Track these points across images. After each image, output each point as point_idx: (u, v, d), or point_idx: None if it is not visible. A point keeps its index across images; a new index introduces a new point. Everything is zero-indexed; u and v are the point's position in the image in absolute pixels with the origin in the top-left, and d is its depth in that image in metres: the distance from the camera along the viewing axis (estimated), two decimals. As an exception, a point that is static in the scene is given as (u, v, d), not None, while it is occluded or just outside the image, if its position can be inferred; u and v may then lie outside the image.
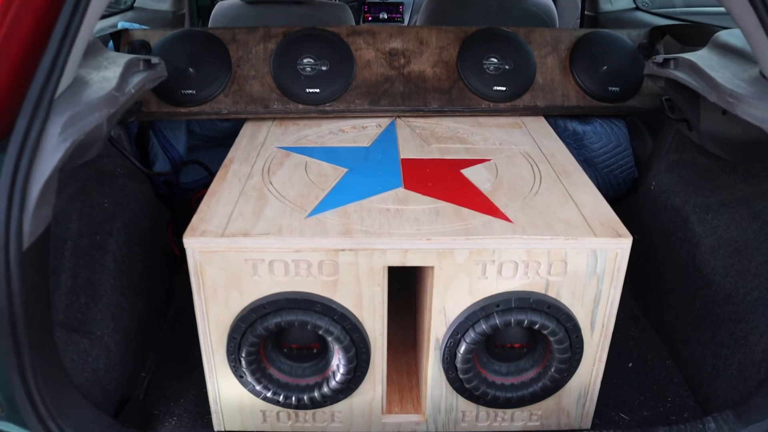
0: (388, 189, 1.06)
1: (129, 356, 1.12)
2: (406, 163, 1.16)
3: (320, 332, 0.97)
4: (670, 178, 1.35)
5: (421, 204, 1.02)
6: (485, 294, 0.97)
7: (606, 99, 1.43)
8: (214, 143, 1.56)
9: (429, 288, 0.97)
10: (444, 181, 1.10)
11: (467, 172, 1.13)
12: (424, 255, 0.93)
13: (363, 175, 1.11)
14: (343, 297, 0.95)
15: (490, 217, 0.98)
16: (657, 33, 1.51)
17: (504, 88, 1.39)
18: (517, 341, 1.04)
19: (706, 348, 1.16)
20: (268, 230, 0.93)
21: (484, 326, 0.97)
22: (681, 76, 1.15)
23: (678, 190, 1.31)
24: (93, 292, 1.08)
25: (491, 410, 1.07)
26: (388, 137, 1.28)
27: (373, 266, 0.93)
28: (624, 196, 1.56)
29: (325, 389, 1.01)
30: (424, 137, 1.29)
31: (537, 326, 0.97)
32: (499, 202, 1.03)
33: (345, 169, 1.13)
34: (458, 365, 1.00)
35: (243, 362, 0.98)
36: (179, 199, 1.56)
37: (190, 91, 1.32)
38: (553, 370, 1.02)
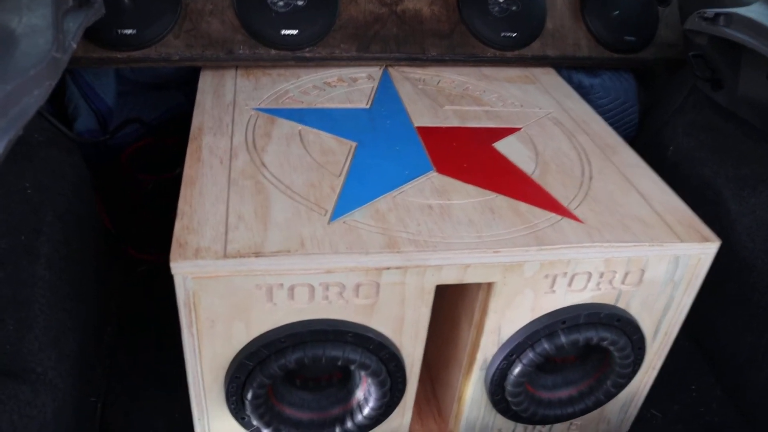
0: (418, 174, 0.84)
1: (80, 389, 0.86)
2: (425, 133, 0.94)
3: (353, 367, 0.76)
4: (691, 143, 1.22)
5: (466, 196, 0.81)
6: (549, 309, 0.79)
7: (619, 49, 1.25)
8: (149, 88, 1.24)
9: (481, 305, 0.79)
10: (479, 160, 0.89)
11: (501, 147, 0.93)
12: (488, 270, 0.74)
13: (378, 151, 0.88)
14: (381, 322, 0.75)
15: (554, 215, 0.79)
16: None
17: (513, 34, 1.17)
18: (571, 354, 0.88)
19: (739, 336, 1.06)
20: (287, 245, 0.69)
21: (546, 346, 0.80)
22: (735, 34, 0.99)
23: (704, 159, 1.18)
24: (24, 313, 0.80)
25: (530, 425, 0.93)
26: (389, 95, 1.04)
27: (423, 286, 0.73)
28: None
29: (349, 425, 0.82)
30: (431, 95, 1.06)
31: (606, 343, 0.82)
32: (556, 192, 0.84)
33: (353, 143, 0.89)
34: (508, 387, 0.83)
35: (248, 405, 0.76)
36: (105, 159, 1.25)
37: (130, 31, 0.99)
38: (609, 383, 0.88)
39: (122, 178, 1.28)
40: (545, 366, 0.87)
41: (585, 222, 0.78)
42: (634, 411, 0.96)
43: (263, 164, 0.82)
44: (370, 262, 0.69)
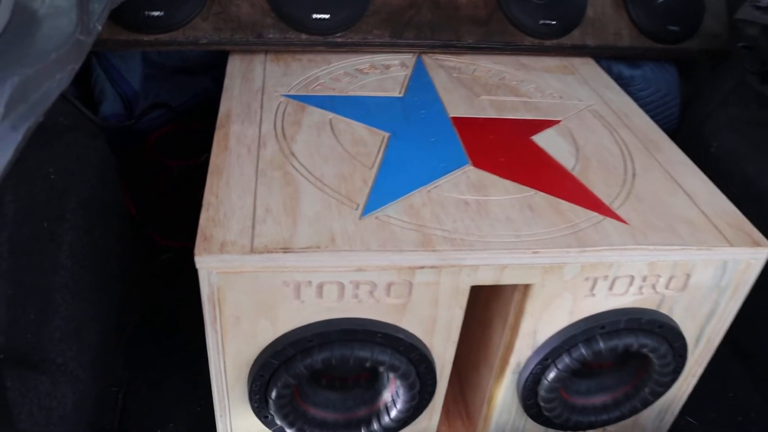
0: (453, 168, 0.80)
1: (102, 380, 0.85)
2: (460, 124, 0.90)
3: (382, 368, 0.73)
4: (735, 139, 1.16)
5: (504, 192, 0.77)
6: (588, 313, 0.76)
7: (663, 39, 1.19)
8: (176, 72, 1.22)
9: (516, 307, 0.75)
10: (517, 154, 0.85)
11: (540, 140, 0.89)
12: (526, 271, 0.70)
13: (412, 143, 0.84)
14: (412, 323, 0.72)
15: (597, 214, 0.75)
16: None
17: (552, 22, 1.13)
18: (608, 360, 0.85)
19: (782, 343, 1.02)
20: (317, 240, 0.66)
21: (583, 351, 0.76)
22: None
23: (749, 155, 1.12)
24: (46, 302, 0.78)
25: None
26: (423, 83, 1.00)
27: (458, 286, 0.69)
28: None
29: (375, 427, 0.79)
30: (467, 84, 1.02)
31: (646, 350, 0.78)
32: (597, 189, 0.80)
33: (386, 133, 0.86)
34: (541, 393, 0.80)
35: (272, 405, 0.74)
36: (130, 144, 1.23)
37: (157, 13, 0.96)
38: (647, 391, 0.84)
39: (148, 163, 1.26)
40: (580, 371, 0.83)
41: (629, 223, 0.74)
42: (670, 419, 0.93)
43: (292, 154, 0.79)
44: (403, 260, 0.66)
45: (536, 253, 0.69)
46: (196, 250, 0.63)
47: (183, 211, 1.24)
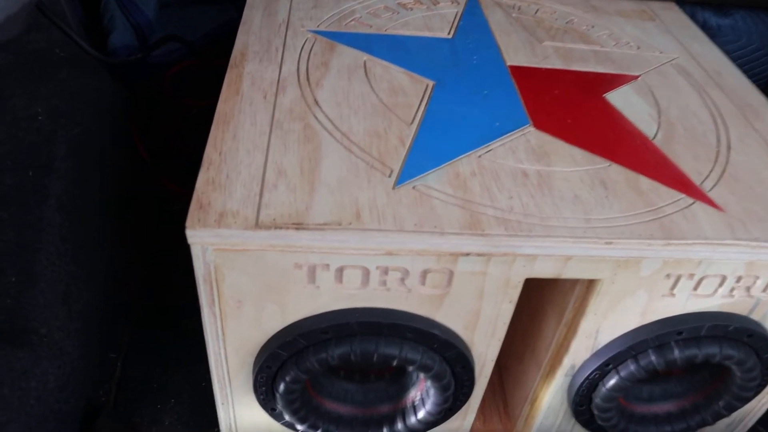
0: (511, 128, 0.66)
1: (94, 350, 0.75)
2: (520, 75, 0.75)
3: (411, 368, 0.62)
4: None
5: (571, 162, 0.63)
6: (664, 315, 0.62)
7: (762, -19, 1.01)
8: (196, 1, 1.08)
9: (577, 303, 0.62)
10: (587, 115, 0.70)
11: (614, 99, 0.74)
12: (595, 265, 0.57)
13: (461, 95, 0.70)
14: (450, 316, 0.59)
15: (685, 197, 0.61)
16: None
17: (633, -45, 0.95)
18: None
19: None
20: (338, 215, 0.53)
21: (653, 359, 0.63)
22: None
23: None
24: (29, 263, 0.68)
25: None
26: (476, 23, 0.85)
27: (509, 278, 0.57)
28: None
29: (400, 426, 0.68)
30: (528, 27, 0.86)
31: (730, 361, 0.65)
32: (685, 164, 0.65)
33: (430, 82, 0.72)
34: (596, 400, 0.68)
35: (280, 399, 0.63)
36: (145, 79, 1.11)
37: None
38: (722, 404, 0.71)
39: (164, 102, 1.14)
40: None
41: (724, 209, 0.60)
42: (742, 431, 0.80)
43: (316, 103, 0.66)
44: (444, 245, 0.53)
45: (610, 244, 0.55)
46: (188, 221, 0.51)
47: (200, 155, 1.13)
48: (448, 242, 0.53)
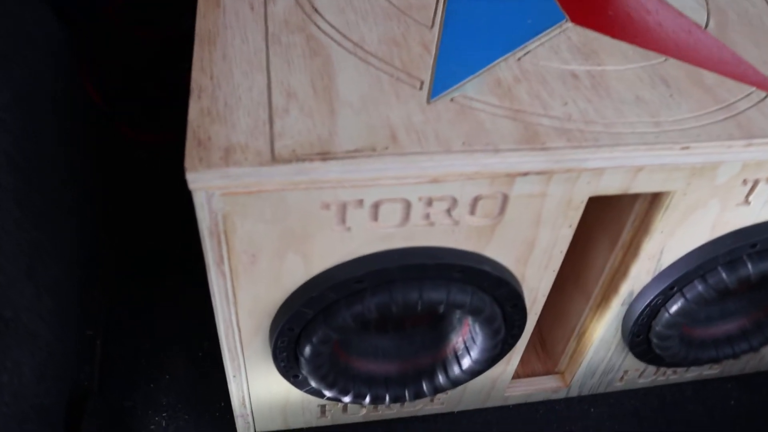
0: (546, 25, 0.56)
1: (70, 333, 0.64)
2: (540, -34, 0.65)
3: (460, 312, 0.53)
4: None
5: (623, 60, 0.54)
6: (736, 227, 0.55)
7: None
8: None
9: (638, 221, 0.54)
10: (628, 5, 0.61)
11: (651, -13, 0.64)
12: (669, 175, 0.48)
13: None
14: (501, 250, 0.51)
15: (756, 90, 0.52)
16: None
17: None
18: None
19: None
20: (370, 139, 0.43)
21: (724, 275, 0.56)
22: None
23: None
24: (-19, 234, 0.56)
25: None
26: None
27: (571, 198, 0.48)
28: None
29: (441, 380, 0.61)
30: None
31: (805, 275, 0.58)
32: (747, 53, 0.56)
33: (443, -22, 0.61)
34: (657, 328, 0.61)
35: (305, 364, 0.54)
36: (88, 10, 0.96)
37: None
38: (786, 321, 0.66)
39: (113, 36, 0.99)
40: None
41: (804, 99, 0.52)
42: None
43: (315, 10, 0.54)
44: (501, 164, 0.44)
45: (687, 149, 0.47)
46: (188, 162, 0.40)
47: (161, 95, 1.00)
48: (506, 161, 0.44)
